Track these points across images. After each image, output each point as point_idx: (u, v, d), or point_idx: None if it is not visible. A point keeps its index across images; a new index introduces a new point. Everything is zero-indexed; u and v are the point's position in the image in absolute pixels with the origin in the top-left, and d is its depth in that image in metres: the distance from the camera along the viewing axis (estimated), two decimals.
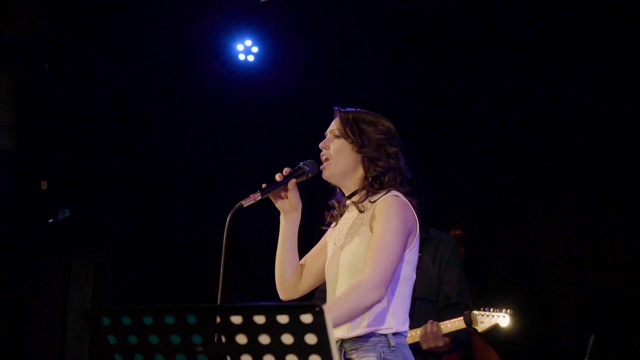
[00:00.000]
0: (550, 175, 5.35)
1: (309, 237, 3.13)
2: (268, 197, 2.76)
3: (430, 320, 3.60)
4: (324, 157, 2.80)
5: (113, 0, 5.04)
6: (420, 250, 3.19)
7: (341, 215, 2.85)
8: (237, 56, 5.56)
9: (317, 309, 1.53)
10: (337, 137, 2.79)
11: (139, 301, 5.43)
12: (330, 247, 2.82)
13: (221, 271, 2.55)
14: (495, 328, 3.65)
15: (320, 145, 2.82)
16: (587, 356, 3.78)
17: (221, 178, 5.87)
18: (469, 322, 3.60)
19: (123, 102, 5.57)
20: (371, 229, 2.64)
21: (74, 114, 5.17)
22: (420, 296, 3.63)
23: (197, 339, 1.65)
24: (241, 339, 1.61)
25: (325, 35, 5.59)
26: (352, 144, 2.76)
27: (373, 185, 2.73)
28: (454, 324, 3.61)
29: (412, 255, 2.68)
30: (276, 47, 5.60)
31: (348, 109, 2.83)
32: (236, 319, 1.60)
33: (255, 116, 6.01)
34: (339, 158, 2.76)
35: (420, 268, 3.10)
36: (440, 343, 3.58)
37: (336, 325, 2.47)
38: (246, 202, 2.64)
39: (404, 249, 2.62)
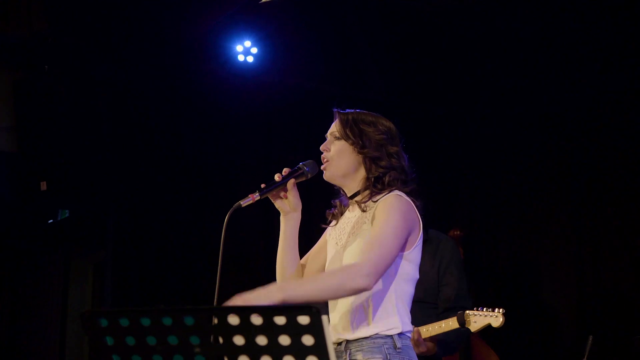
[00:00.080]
0: (550, 175, 5.34)
1: (309, 237, 3.12)
2: (268, 198, 2.76)
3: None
4: (325, 160, 2.79)
5: (113, 1, 5.04)
6: None
7: (342, 214, 2.85)
8: (237, 57, 5.57)
9: (314, 310, 1.53)
10: (337, 138, 2.79)
11: (138, 301, 5.43)
12: (331, 246, 2.81)
13: (218, 271, 2.55)
14: (488, 328, 3.64)
15: (321, 147, 2.81)
16: (585, 356, 3.78)
17: (221, 178, 5.86)
18: (462, 322, 3.59)
19: (123, 102, 5.58)
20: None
21: (73, 114, 5.18)
22: (419, 298, 3.61)
23: (194, 340, 1.65)
24: (238, 340, 1.62)
25: (325, 35, 5.58)
26: (353, 145, 2.76)
27: (376, 185, 2.72)
28: (448, 324, 3.60)
29: (415, 255, 2.67)
30: (275, 47, 5.60)
31: (347, 110, 2.83)
32: (233, 320, 1.61)
33: (255, 116, 6.01)
34: (340, 159, 2.76)
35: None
36: (423, 349, 3.53)
37: (315, 297, 2.39)
38: (245, 202, 2.62)
39: (403, 246, 2.60)
